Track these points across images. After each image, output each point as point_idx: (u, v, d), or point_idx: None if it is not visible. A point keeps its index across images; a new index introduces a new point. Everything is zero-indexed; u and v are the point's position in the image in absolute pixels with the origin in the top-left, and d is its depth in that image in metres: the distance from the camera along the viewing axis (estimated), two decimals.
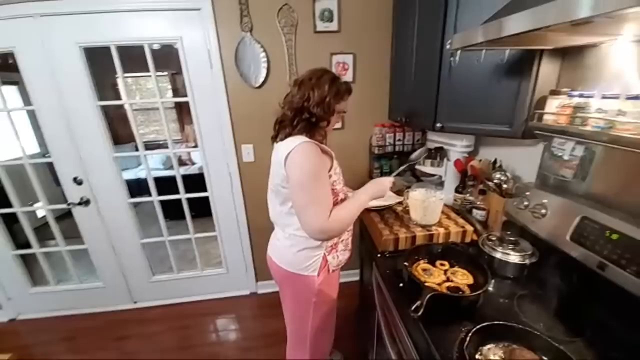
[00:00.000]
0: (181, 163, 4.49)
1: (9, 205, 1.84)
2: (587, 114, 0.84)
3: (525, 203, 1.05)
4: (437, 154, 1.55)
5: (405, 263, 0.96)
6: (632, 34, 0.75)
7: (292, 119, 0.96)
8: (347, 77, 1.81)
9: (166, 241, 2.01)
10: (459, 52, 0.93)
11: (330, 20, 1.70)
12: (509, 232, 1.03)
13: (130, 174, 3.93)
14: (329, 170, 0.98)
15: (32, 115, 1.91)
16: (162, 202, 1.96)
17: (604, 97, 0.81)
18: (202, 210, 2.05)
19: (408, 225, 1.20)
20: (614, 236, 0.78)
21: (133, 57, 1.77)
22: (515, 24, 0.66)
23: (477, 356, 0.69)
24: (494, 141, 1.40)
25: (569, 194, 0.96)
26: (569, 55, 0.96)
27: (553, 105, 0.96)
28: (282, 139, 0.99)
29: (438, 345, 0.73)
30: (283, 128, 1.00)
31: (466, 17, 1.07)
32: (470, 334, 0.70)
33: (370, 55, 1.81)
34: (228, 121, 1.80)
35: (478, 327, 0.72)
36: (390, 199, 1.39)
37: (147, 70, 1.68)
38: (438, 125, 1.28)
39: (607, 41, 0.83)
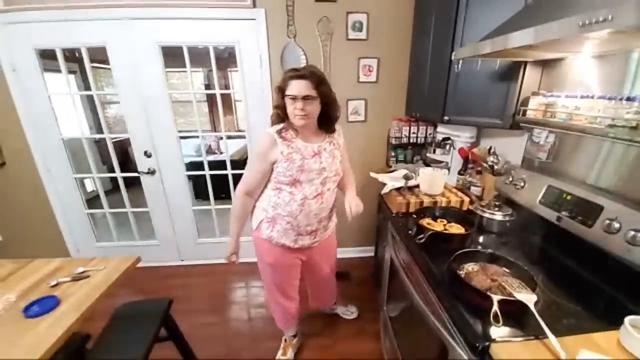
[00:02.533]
0: (211, 152, 4.92)
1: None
2: (555, 109, 1.15)
3: (510, 179, 1.36)
4: (446, 144, 1.86)
5: (414, 216, 1.28)
6: (589, 52, 1.06)
7: None
8: (372, 77, 2.15)
9: (213, 209, 2.40)
10: (460, 61, 1.26)
11: (360, 30, 2.04)
12: (495, 200, 1.34)
13: None
14: (279, 157, 1.15)
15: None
16: (196, 185, 2.36)
17: (566, 97, 1.12)
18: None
19: (417, 195, 1.52)
20: (568, 197, 1.09)
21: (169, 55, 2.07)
22: (497, 44, 0.98)
23: (460, 267, 1.01)
24: (492, 133, 1.70)
25: (542, 170, 1.27)
26: (547, 65, 1.26)
27: (534, 103, 1.26)
28: None
29: (434, 263, 1.06)
30: None
31: (470, 35, 1.39)
32: (454, 256, 1.02)
33: (391, 60, 2.14)
34: None
35: (460, 252, 1.03)
36: (401, 180, 1.69)
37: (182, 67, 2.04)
38: (446, 118, 1.60)
39: (572, 56, 1.14)
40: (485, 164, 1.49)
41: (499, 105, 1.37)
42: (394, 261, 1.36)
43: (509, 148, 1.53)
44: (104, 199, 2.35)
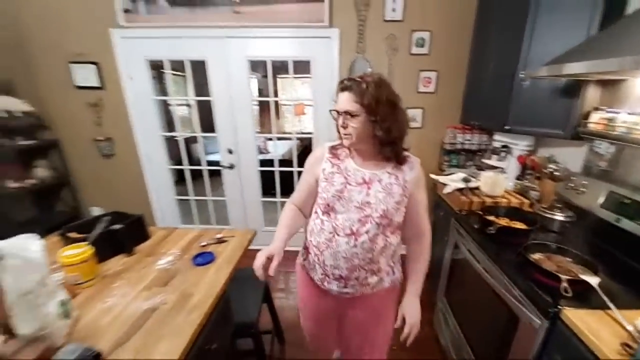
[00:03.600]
0: (261, 152, 5.33)
1: None
2: (615, 124, 1.30)
3: (571, 185, 1.51)
4: (502, 151, 2.03)
5: (480, 212, 1.48)
6: None
7: None
8: (430, 88, 2.36)
9: (278, 202, 2.73)
10: (529, 79, 1.45)
11: (422, 46, 2.27)
12: (556, 202, 1.50)
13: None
14: (320, 175, 1.03)
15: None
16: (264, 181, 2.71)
17: (628, 114, 1.27)
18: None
19: (479, 195, 1.71)
20: (628, 201, 1.24)
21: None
22: (571, 68, 1.17)
23: (527, 255, 1.20)
24: (550, 142, 1.84)
25: (602, 177, 1.42)
26: (608, 85, 1.41)
27: (595, 117, 1.41)
28: None
29: (504, 252, 1.25)
30: None
31: (536, 54, 1.56)
32: (524, 246, 1.21)
33: (449, 73, 2.34)
34: None
35: (529, 243, 1.22)
36: (461, 182, 1.89)
37: None
38: (507, 127, 1.77)
39: (632, 78, 1.29)
40: (545, 171, 1.64)
41: (561, 118, 1.52)
42: (460, 253, 1.57)
43: (568, 156, 1.67)
44: (191, 191, 2.77)
